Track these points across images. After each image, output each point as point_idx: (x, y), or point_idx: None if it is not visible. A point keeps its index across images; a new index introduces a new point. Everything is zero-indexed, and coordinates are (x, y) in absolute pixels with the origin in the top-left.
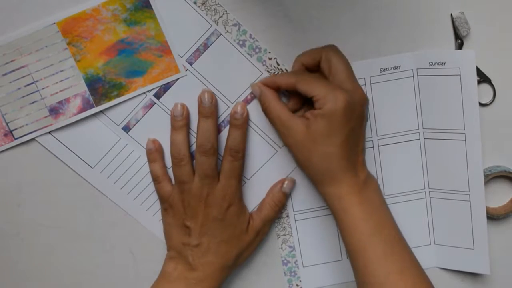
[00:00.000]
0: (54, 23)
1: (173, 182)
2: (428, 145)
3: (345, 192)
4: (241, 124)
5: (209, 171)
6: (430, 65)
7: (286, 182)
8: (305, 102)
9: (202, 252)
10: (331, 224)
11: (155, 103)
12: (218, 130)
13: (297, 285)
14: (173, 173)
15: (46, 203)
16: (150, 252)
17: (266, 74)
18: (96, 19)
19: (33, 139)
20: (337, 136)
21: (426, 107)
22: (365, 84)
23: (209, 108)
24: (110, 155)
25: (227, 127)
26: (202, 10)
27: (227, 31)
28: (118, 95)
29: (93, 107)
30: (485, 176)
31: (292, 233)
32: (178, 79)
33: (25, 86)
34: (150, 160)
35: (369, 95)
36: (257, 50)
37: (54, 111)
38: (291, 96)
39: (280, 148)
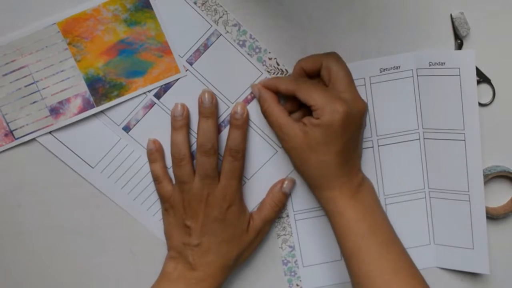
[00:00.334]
0: (55, 23)
1: (174, 182)
2: (427, 145)
3: (339, 195)
4: (241, 124)
5: (210, 171)
6: (430, 65)
7: (286, 182)
8: (304, 104)
9: (203, 252)
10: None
11: (155, 103)
12: (219, 130)
13: (297, 285)
14: (173, 173)
15: (47, 203)
16: (150, 252)
17: (266, 74)
18: (96, 19)
19: (34, 139)
20: (334, 145)
21: (425, 107)
22: (364, 84)
23: (210, 108)
24: (110, 155)
25: (227, 127)
26: (202, 10)
27: (227, 31)
28: (118, 95)
29: (94, 107)
30: (485, 176)
31: (292, 233)
32: (178, 79)
33: (26, 86)
34: (151, 160)
35: (368, 95)
36: (257, 50)
37: (55, 111)
38: (289, 98)
39: (280, 148)
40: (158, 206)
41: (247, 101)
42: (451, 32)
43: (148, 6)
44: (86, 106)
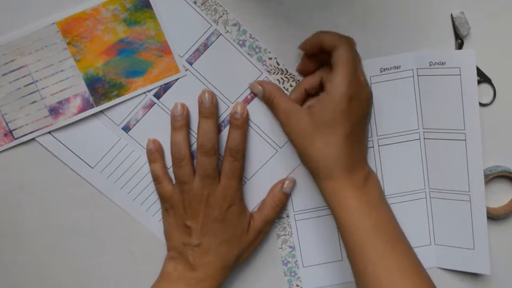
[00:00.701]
0: (54, 23)
1: (174, 182)
2: (428, 145)
3: (344, 186)
4: (241, 124)
5: (210, 171)
6: (430, 65)
7: (286, 182)
8: (308, 96)
9: (203, 252)
10: (331, 224)
11: (155, 103)
12: (219, 130)
13: (297, 285)
14: (173, 173)
15: (46, 203)
16: (150, 252)
17: (266, 74)
18: (96, 19)
19: (33, 139)
20: (340, 126)
21: (426, 107)
22: None
23: (210, 109)
24: (110, 155)
25: (227, 127)
26: (202, 10)
27: (227, 31)
28: (118, 95)
29: (93, 107)
30: (485, 176)
31: (292, 233)
32: (178, 79)
33: (25, 86)
34: (151, 161)
35: None
36: (257, 50)
37: (54, 111)
38: (294, 88)
39: (280, 148)
40: (157, 206)
41: (247, 101)
42: (452, 32)
43: (147, 6)
44: (86, 106)
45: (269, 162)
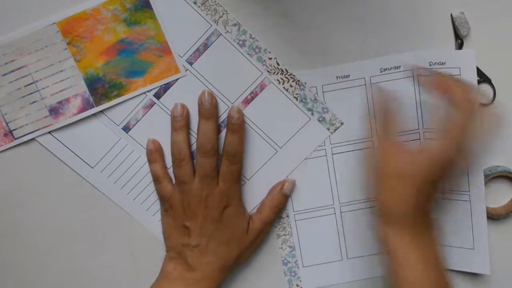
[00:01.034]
0: (54, 23)
1: (174, 182)
2: None
3: (407, 238)
4: (237, 128)
5: (209, 171)
6: (430, 65)
7: (286, 184)
8: None
9: (202, 253)
10: (331, 224)
11: (155, 103)
12: (218, 130)
13: (297, 285)
14: (173, 173)
15: (46, 203)
16: (150, 252)
17: (266, 74)
18: (96, 19)
19: (33, 139)
20: (424, 182)
21: (426, 107)
22: (365, 84)
23: (209, 110)
24: (110, 155)
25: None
26: (202, 10)
27: (227, 31)
28: (118, 95)
29: (93, 107)
30: (485, 176)
31: (292, 233)
32: (178, 79)
33: (25, 86)
34: (151, 161)
35: (368, 95)
36: (257, 50)
37: (54, 111)
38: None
39: (280, 148)
40: (157, 206)
41: (246, 101)
42: (452, 32)
43: (147, 6)
44: (86, 106)
45: (269, 162)
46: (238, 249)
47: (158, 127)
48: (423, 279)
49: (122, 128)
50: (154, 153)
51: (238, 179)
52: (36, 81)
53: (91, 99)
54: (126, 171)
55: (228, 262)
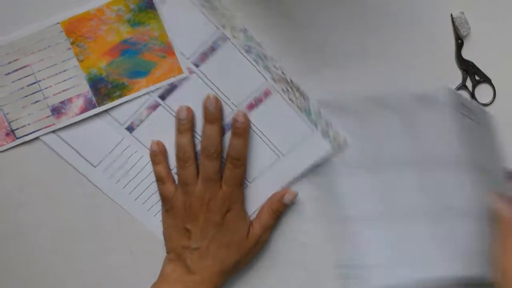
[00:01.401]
0: (58, 23)
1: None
2: None
3: None
4: (242, 132)
5: (212, 174)
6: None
7: (287, 194)
8: None
9: (201, 256)
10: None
11: (159, 104)
12: (222, 133)
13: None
14: (177, 174)
15: (48, 203)
16: (150, 253)
17: (271, 82)
18: (99, 19)
19: (36, 138)
20: None
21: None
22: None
23: (214, 114)
24: (112, 155)
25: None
26: (209, 14)
27: (234, 36)
28: (120, 96)
29: (96, 107)
30: None
31: None
32: (182, 80)
33: (28, 85)
34: (155, 162)
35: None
36: (263, 57)
37: (56, 111)
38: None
39: (283, 155)
40: (159, 206)
41: (251, 106)
42: (452, 32)
43: (151, 7)
44: (88, 106)
45: (271, 167)
46: (238, 253)
47: (162, 129)
48: None
49: (125, 128)
50: (158, 154)
51: (241, 183)
52: (39, 80)
53: (93, 99)
54: (128, 171)
55: (227, 266)
